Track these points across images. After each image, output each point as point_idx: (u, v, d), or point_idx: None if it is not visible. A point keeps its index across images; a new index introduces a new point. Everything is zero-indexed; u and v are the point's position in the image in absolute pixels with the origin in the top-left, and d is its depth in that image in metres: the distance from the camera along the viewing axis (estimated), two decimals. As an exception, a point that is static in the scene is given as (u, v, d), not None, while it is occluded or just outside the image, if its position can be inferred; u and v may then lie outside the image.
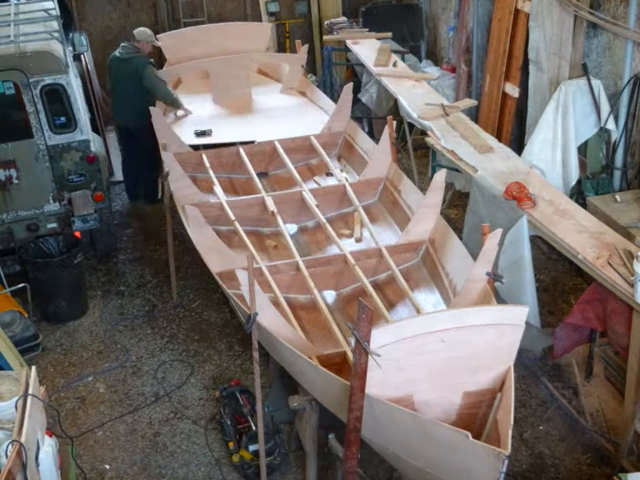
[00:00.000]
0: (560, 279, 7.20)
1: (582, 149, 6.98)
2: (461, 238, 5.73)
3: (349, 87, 7.59)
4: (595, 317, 5.20)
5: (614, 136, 6.84)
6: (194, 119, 8.11)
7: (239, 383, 5.92)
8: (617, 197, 6.08)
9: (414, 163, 8.15)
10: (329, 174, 7.01)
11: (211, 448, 5.62)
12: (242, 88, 8.52)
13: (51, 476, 4.11)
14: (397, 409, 3.80)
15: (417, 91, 7.87)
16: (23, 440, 3.66)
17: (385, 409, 3.88)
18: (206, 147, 7.41)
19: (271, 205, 6.37)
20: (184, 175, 6.47)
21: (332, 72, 10.02)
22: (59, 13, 7.54)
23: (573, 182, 6.88)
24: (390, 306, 5.40)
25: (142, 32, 8.44)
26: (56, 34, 7.02)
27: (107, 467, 5.53)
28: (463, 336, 3.93)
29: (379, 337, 3.80)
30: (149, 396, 6.16)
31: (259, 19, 11.51)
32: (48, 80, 6.80)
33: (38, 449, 3.99)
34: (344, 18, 10.62)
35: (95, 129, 8.00)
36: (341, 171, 7.01)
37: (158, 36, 9.18)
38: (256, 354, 4.63)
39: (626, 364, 4.98)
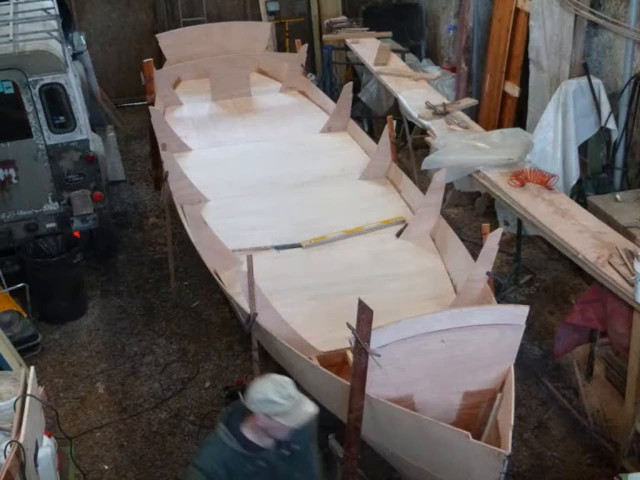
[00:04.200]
0: (560, 279, 7.19)
1: (582, 149, 6.97)
2: (462, 239, 5.72)
3: (349, 86, 7.58)
4: (596, 317, 5.19)
5: (614, 136, 6.82)
6: (194, 119, 8.09)
7: (242, 382, 5.90)
8: (617, 197, 6.06)
9: (414, 163, 8.14)
10: None
11: (211, 448, 5.61)
12: (242, 88, 8.50)
13: (50, 476, 4.10)
14: (397, 409, 3.79)
15: (417, 90, 7.86)
16: (22, 440, 3.65)
17: (385, 409, 3.87)
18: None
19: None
20: (184, 175, 6.46)
21: (332, 71, 10.00)
22: (58, 12, 7.53)
23: (573, 182, 6.87)
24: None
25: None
26: (55, 33, 7.01)
27: (106, 467, 5.52)
28: (463, 336, 3.93)
29: (379, 337, 3.79)
30: (148, 396, 6.15)
31: (259, 18, 11.50)
32: (47, 79, 6.77)
33: (37, 449, 3.98)
34: (344, 17, 10.62)
35: (94, 129, 7.97)
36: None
37: (158, 35, 9.18)
38: (256, 354, 4.62)
39: (627, 364, 4.97)
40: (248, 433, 3.44)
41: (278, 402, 3.28)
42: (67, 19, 9.40)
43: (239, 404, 3.51)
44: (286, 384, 3.36)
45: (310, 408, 3.35)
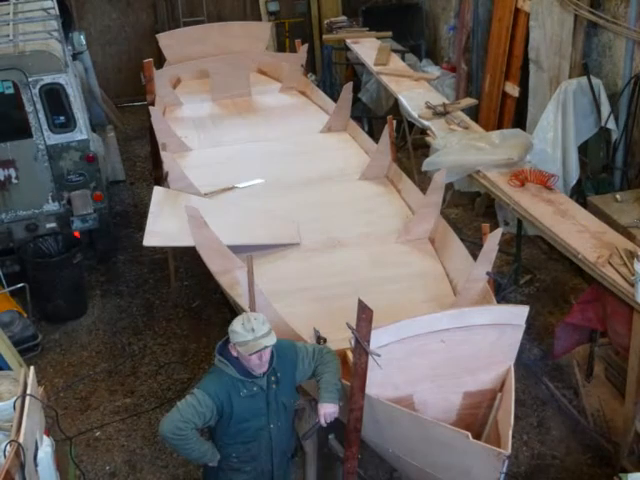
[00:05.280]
0: (560, 279, 7.19)
1: (582, 149, 6.97)
2: (462, 239, 5.71)
3: (349, 86, 7.58)
4: (595, 317, 5.19)
5: (614, 135, 6.82)
6: (194, 119, 8.09)
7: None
8: (617, 197, 6.05)
9: (414, 163, 8.14)
10: None
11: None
12: (242, 88, 8.50)
13: (50, 476, 4.09)
14: (397, 409, 3.79)
15: (417, 90, 7.86)
16: (21, 440, 3.64)
17: (385, 409, 3.87)
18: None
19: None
20: (184, 175, 6.45)
21: (332, 71, 10.02)
22: (58, 12, 7.53)
23: (573, 182, 6.87)
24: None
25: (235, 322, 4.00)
26: (55, 33, 7.01)
27: (107, 468, 5.52)
28: (463, 336, 3.93)
29: (379, 337, 3.79)
30: (148, 396, 6.14)
31: (259, 18, 11.51)
32: (47, 79, 6.78)
33: (37, 449, 3.98)
34: (344, 17, 10.62)
35: (94, 129, 7.97)
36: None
37: (158, 35, 9.18)
38: (256, 354, 4.61)
39: (627, 364, 4.97)
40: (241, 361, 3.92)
41: (239, 332, 3.80)
42: (67, 19, 9.40)
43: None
44: (254, 319, 3.85)
45: (267, 342, 3.79)
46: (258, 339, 3.78)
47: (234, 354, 3.89)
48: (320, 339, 4.49)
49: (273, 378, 4.00)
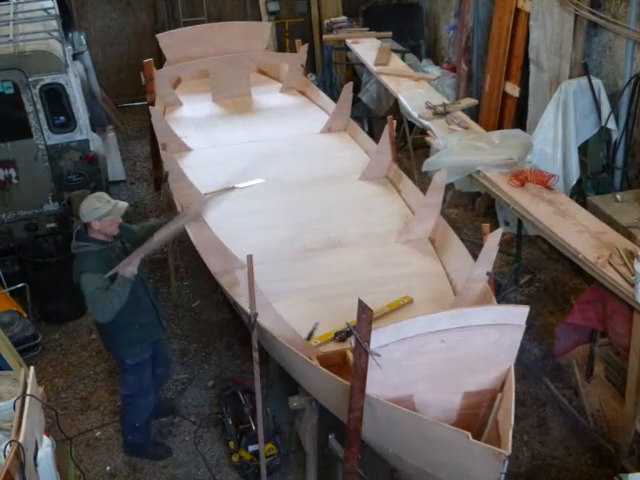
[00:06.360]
0: (560, 279, 7.19)
1: (583, 149, 6.97)
2: (463, 239, 5.71)
3: (349, 86, 7.57)
4: (596, 317, 5.19)
5: (615, 135, 6.82)
6: (194, 119, 8.09)
7: (241, 382, 5.90)
8: (618, 197, 6.06)
9: (414, 163, 8.14)
10: None
11: (211, 448, 5.61)
12: (242, 88, 8.50)
13: (50, 476, 4.09)
14: (397, 409, 3.79)
15: (417, 90, 7.86)
16: (21, 440, 3.65)
17: (385, 409, 3.87)
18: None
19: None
20: (184, 175, 6.45)
21: (332, 71, 10.01)
22: (58, 12, 7.53)
23: (573, 182, 6.87)
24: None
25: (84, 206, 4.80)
26: (55, 33, 7.01)
27: (108, 468, 5.52)
28: (463, 336, 3.93)
29: (379, 337, 3.79)
30: (148, 396, 6.14)
31: (259, 18, 11.51)
32: (47, 79, 6.79)
33: (36, 449, 3.98)
34: (344, 17, 10.61)
35: (94, 129, 7.97)
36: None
37: (158, 35, 9.18)
38: (256, 355, 4.62)
39: (627, 364, 4.97)
40: (96, 236, 4.79)
41: (100, 207, 4.69)
42: (67, 19, 9.41)
43: (78, 223, 5.01)
44: (102, 195, 4.84)
45: (124, 203, 4.84)
46: (118, 204, 4.78)
47: (96, 229, 4.73)
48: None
49: (123, 239, 4.97)
